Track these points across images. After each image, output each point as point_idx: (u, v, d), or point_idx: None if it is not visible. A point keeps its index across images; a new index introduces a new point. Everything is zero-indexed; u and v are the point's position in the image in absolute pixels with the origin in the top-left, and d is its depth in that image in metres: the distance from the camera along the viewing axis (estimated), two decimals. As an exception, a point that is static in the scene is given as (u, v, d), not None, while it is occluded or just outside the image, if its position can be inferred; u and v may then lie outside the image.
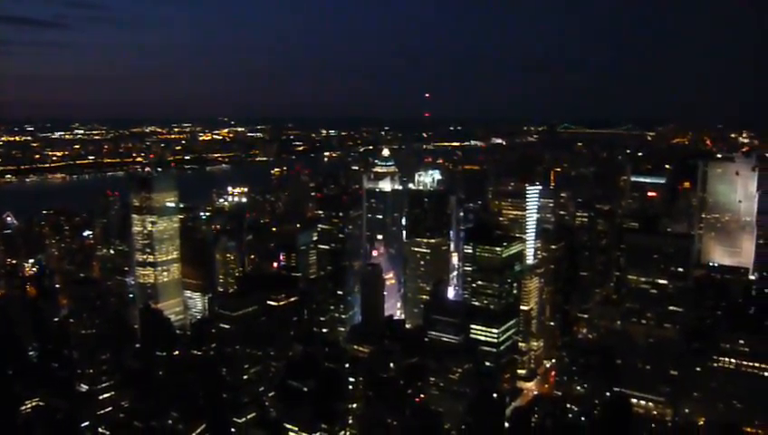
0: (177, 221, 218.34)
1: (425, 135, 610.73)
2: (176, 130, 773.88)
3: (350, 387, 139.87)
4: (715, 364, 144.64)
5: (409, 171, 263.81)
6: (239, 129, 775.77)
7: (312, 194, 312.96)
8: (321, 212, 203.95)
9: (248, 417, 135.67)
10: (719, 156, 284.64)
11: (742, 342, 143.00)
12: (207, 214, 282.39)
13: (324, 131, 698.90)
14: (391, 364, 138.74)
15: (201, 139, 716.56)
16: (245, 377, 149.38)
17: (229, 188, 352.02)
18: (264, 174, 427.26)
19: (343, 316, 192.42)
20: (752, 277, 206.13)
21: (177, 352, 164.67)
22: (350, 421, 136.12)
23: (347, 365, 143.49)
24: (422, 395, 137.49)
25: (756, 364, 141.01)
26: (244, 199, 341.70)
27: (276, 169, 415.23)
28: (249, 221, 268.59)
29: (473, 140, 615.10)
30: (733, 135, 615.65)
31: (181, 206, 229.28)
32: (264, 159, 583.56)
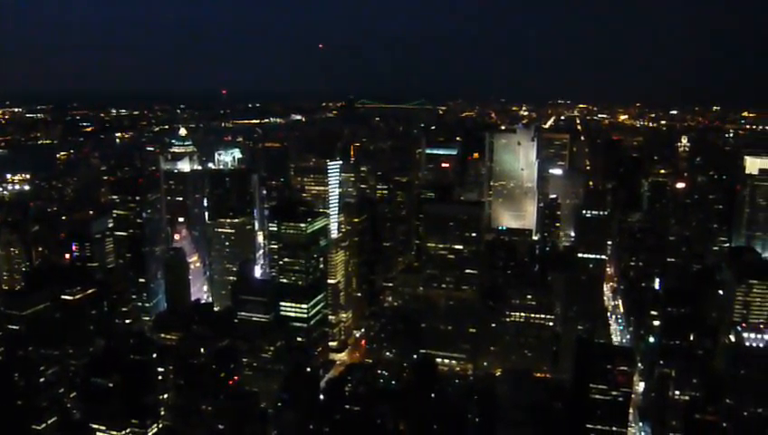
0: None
1: (222, 113, 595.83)
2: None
3: (160, 377, 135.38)
4: (508, 319, 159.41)
5: (209, 151, 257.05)
6: (16, 109, 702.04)
7: (105, 178, 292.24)
8: (115, 197, 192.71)
9: (48, 422, 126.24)
10: (503, 128, 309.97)
11: (529, 297, 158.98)
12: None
13: (114, 111, 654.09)
14: (201, 349, 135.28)
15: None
16: (42, 380, 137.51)
17: (8, 175, 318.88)
18: (49, 158, 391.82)
19: (147, 305, 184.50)
20: (535, 238, 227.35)
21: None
22: (163, 413, 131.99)
23: (155, 355, 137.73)
24: (236, 377, 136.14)
25: (542, 316, 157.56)
26: (26, 187, 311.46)
27: (62, 153, 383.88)
28: (34, 211, 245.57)
29: (272, 117, 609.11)
30: (514, 108, 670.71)
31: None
32: (48, 141, 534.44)
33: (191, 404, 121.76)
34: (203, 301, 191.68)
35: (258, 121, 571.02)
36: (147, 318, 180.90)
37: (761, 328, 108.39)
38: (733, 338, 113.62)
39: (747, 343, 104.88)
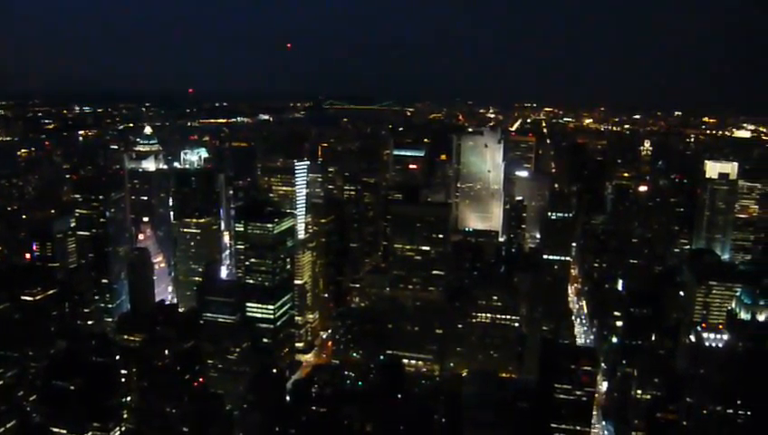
0: None
1: (189, 111, 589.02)
2: None
3: (123, 380, 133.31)
4: (474, 320, 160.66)
5: (174, 150, 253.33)
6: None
7: (67, 176, 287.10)
8: (78, 196, 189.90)
9: (8, 426, 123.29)
10: (470, 130, 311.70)
11: (495, 298, 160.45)
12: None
13: (78, 108, 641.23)
14: (166, 351, 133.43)
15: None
16: (1, 382, 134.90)
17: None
18: (9, 156, 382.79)
19: (110, 306, 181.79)
20: (501, 239, 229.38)
21: None
22: (126, 416, 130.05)
23: (117, 357, 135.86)
24: (201, 379, 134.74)
25: (507, 317, 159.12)
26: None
27: (23, 150, 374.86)
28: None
29: (239, 116, 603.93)
30: (481, 111, 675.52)
31: None
32: (8, 139, 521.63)
33: (155, 407, 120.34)
34: (168, 302, 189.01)
35: (225, 121, 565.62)
36: (110, 319, 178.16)
37: (719, 328, 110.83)
38: (693, 338, 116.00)
39: (706, 343, 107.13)
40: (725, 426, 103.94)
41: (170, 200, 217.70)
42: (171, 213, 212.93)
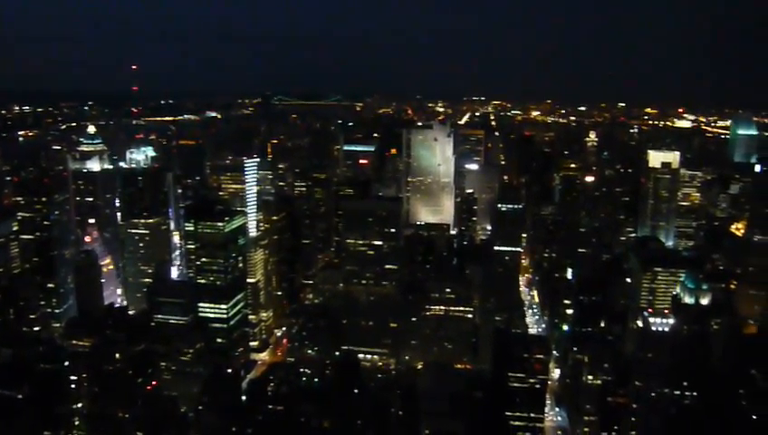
0: None
1: (134, 110, 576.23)
2: None
3: (73, 386, 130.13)
4: (428, 313, 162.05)
5: (120, 149, 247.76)
6: None
7: (8, 178, 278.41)
8: (19, 198, 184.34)
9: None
10: (420, 124, 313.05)
11: (448, 290, 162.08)
12: None
13: (18, 108, 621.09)
14: (117, 355, 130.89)
15: None
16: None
17: None
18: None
19: (57, 310, 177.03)
20: (453, 232, 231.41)
21: None
22: (77, 423, 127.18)
23: (66, 363, 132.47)
24: (154, 382, 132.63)
25: (461, 308, 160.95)
26: None
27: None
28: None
29: (186, 113, 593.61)
30: (430, 105, 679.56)
31: None
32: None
33: (107, 412, 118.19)
34: (117, 305, 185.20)
35: (172, 119, 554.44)
36: (57, 324, 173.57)
37: (665, 313, 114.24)
38: (640, 323, 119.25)
39: (653, 328, 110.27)
40: (673, 407, 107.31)
41: (117, 201, 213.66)
42: (118, 214, 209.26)
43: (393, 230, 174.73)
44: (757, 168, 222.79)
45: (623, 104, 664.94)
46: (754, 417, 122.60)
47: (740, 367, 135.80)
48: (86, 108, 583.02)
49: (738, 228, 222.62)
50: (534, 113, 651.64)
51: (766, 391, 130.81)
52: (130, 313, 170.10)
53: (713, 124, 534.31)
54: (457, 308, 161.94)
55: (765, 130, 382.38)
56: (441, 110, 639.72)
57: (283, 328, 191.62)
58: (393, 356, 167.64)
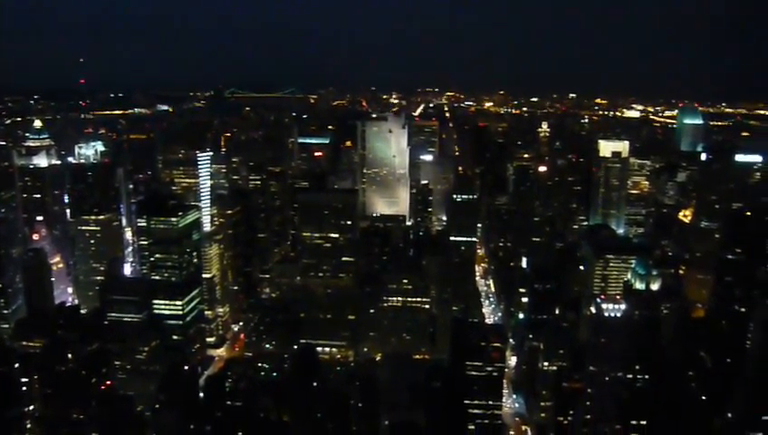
0: None
1: (82, 104, 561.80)
2: None
3: (24, 388, 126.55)
4: (386, 304, 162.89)
5: (68, 144, 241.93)
6: None
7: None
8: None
9: None
10: (374, 116, 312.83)
11: (405, 281, 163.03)
12: None
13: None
14: (69, 355, 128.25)
15: None
16: None
17: None
18: None
19: (5, 311, 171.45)
20: (409, 223, 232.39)
21: None
22: (29, 426, 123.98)
23: (17, 365, 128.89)
24: (108, 382, 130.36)
25: (418, 299, 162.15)
26: None
27: None
28: None
29: (136, 107, 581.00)
30: (384, 96, 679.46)
31: None
32: None
33: (61, 414, 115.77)
34: (68, 304, 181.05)
35: (122, 112, 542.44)
36: (6, 326, 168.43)
37: (617, 299, 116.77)
38: (593, 309, 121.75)
39: (606, 314, 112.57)
40: (625, 390, 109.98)
41: (66, 197, 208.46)
42: (67, 211, 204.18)
43: (349, 222, 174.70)
44: (703, 156, 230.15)
45: (574, 95, 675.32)
46: (703, 397, 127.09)
47: (689, 349, 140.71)
48: (31, 102, 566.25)
49: (686, 215, 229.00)
50: (488, 104, 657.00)
51: (714, 373, 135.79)
52: (82, 312, 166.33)
53: (660, 114, 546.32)
54: (415, 299, 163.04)
55: (711, 119, 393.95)
56: (395, 101, 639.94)
57: (240, 323, 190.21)
58: (351, 348, 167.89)
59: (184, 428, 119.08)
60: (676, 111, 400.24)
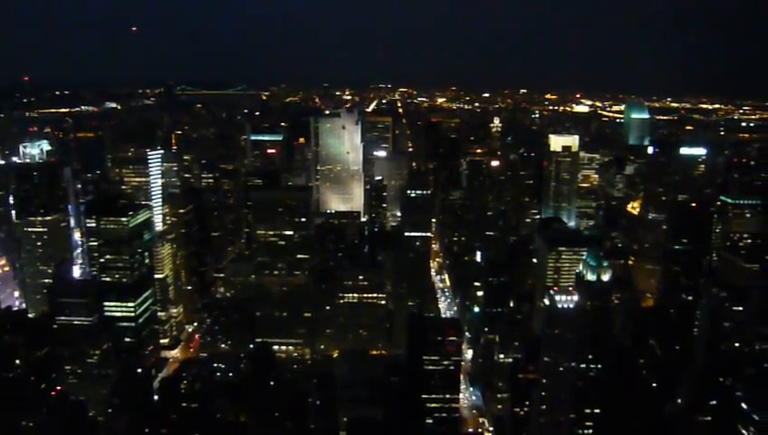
0: None
1: (26, 101, 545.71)
2: None
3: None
4: (342, 301, 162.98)
5: (12, 143, 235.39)
6: None
7: None
8: None
9: None
10: (327, 112, 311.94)
11: (361, 277, 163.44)
12: None
13: None
14: (17, 360, 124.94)
15: None
16: None
17: None
18: None
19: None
20: (363, 219, 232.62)
21: None
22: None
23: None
24: (59, 387, 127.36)
25: (374, 295, 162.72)
26: None
27: None
28: None
29: (83, 105, 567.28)
30: (337, 93, 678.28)
31: None
32: None
33: (9, 422, 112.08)
34: (15, 308, 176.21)
35: (68, 110, 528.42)
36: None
37: (569, 290, 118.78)
38: (546, 301, 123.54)
39: (559, 305, 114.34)
40: (579, 379, 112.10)
41: (11, 198, 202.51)
42: (13, 212, 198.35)
43: (304, 219, 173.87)
44: (650, 149, 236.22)
45: (525, 90, 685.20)
46: (654, 384, 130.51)
47: (639, 338, 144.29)
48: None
49: (634, 207, 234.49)
50: (440, 100, 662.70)
51: (664, 360, 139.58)
52: (30, 315, 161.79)
53: (608, 109, 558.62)
54: (371, 295, 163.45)
55: (657, 113, 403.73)
56: (348, 98, 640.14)
57: (195, 323, 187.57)
58: (308, 345, 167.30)
59: (138, 432, 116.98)
60: (624, 105, 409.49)
